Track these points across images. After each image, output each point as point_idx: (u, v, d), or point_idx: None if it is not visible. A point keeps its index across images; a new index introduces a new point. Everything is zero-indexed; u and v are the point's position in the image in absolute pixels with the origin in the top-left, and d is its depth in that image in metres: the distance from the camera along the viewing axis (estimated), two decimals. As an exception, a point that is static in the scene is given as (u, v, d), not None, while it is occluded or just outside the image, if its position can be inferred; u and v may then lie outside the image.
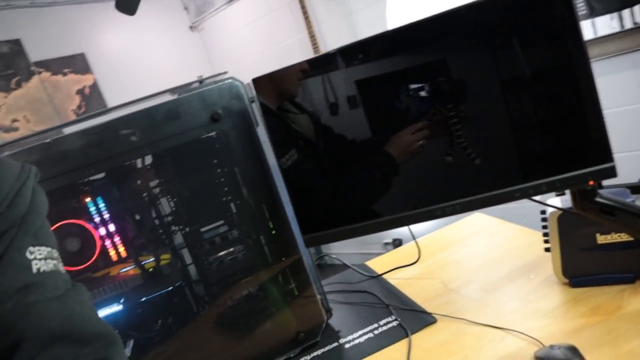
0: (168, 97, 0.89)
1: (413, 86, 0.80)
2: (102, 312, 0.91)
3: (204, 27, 3.88)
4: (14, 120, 2.85)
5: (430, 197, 0.83)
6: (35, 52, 3.00)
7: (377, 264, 1.24)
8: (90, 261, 0.93)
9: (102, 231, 0.93)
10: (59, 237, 0.91)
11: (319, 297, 0.96)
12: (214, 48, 3.90)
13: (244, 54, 3.64)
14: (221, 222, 0.98)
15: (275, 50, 3.41)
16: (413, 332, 0.88)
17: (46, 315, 0.47)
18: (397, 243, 2.71)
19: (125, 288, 0.92)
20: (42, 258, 0.50)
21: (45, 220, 0.54)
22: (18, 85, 2.91)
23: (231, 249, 1.03)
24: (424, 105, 0.80)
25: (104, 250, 0.93)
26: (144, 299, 0.94)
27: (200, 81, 0.89)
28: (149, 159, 0.92)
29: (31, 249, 0.49)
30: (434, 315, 0.91)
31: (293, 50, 3.24)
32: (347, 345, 0.91)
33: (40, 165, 0.82)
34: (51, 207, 0.64)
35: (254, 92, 0.88)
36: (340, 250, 3.67)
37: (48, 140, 0.82)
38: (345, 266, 1.24)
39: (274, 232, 0.93)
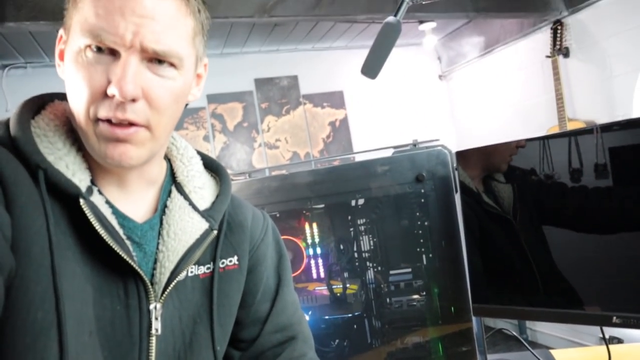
0: (387, 152, 1.04)
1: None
2: (295, 317, 1.10)
3: (453, 77, 4.03)
4: (277, 140, 3.50)
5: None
6: (305, 87, 3.61)
7: (562, 357, 1.15)
8: (297, 273, 1.14)
9: (310, 251, 1.13)
10: (280, 247, 1.16)
11: (481, 369, 0.97)
12: (458, 98, 4.01)
13: (487, 107, 3.65)
14: (409, 269, 1.08)
15: (518, 108, 3.33)
16: None
17: (305, 325, 0.80)
18: (614, 342, 2.34)
19: (315, 303, 1.09)
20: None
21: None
22: (287, 112, 3.55)
23: (411, 297, 1.12)
24: None
25: (308, 267, 1.13)
26: (327, 317, 1.10)
27: (414, 144, 1.02)
28: (360, 201, 1.09)
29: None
30: None
31: (537, 110, 3.12)
32: None
33: (276, 190, 1.06)
34: (278, 224, 0.94)
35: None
36: (548, 330, 3.31)
37: (286, 173, 1.06)
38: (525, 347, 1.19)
39: (450, 292, 0.99)
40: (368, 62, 0.92)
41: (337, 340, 1.14)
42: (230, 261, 0.69)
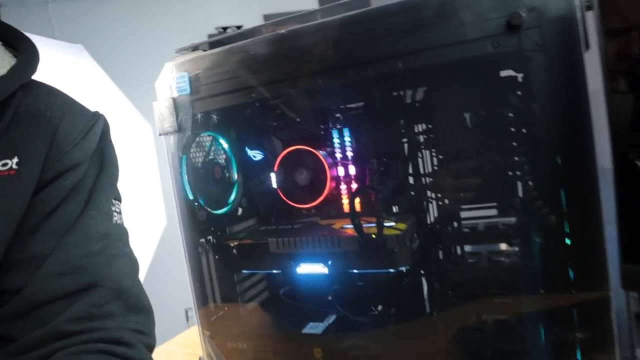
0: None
1: None
2: (306, 269, 0.71)
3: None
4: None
5: None
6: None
7: None
8: (316, 202, 0.74)
9: (340, 172, 0.73)
10: (289, 163, 0.75)
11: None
12: None
13: None
14: (493, 204, 0.64)
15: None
16: None
17: (121, 271, 0.52)
18: None
19: (338, 248, 0.68)
20: (118, 212, 0.56)
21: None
22: None
23: (496, 247, 0.68)
24: None
25: (336, 195, 0.74)
26: (354, 270, 0.69)
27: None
28: (417, 95, 0.64)
29: (113, 200, 0.56)
30: None
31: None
32: None
33: (269, 61, 0.65)
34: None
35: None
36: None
37: (283, 31, 0.63)
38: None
39: (567, 240, 0.53)
40: None
41: (372, 306, 0.75)
42: (5, 164, 0.49)
